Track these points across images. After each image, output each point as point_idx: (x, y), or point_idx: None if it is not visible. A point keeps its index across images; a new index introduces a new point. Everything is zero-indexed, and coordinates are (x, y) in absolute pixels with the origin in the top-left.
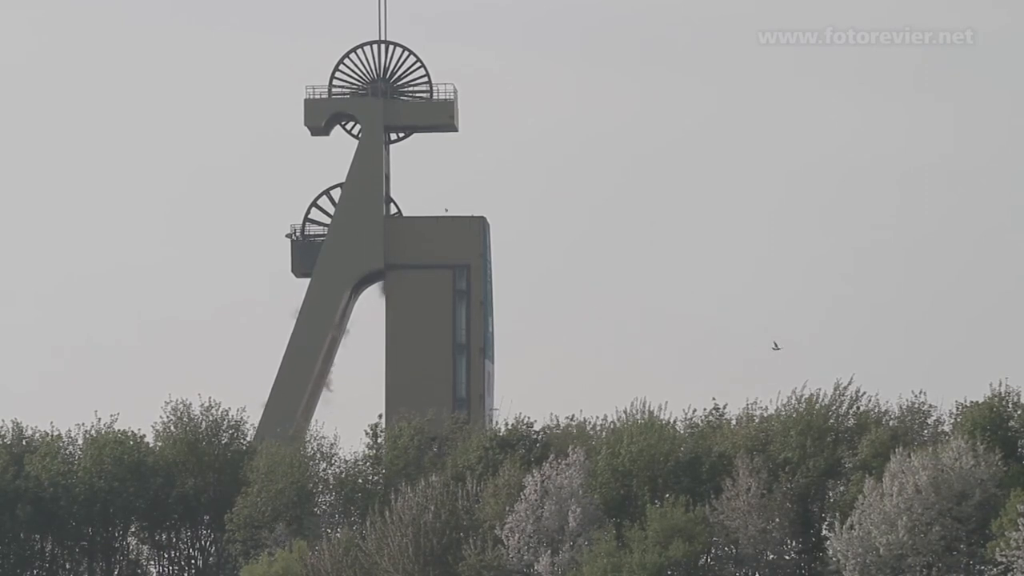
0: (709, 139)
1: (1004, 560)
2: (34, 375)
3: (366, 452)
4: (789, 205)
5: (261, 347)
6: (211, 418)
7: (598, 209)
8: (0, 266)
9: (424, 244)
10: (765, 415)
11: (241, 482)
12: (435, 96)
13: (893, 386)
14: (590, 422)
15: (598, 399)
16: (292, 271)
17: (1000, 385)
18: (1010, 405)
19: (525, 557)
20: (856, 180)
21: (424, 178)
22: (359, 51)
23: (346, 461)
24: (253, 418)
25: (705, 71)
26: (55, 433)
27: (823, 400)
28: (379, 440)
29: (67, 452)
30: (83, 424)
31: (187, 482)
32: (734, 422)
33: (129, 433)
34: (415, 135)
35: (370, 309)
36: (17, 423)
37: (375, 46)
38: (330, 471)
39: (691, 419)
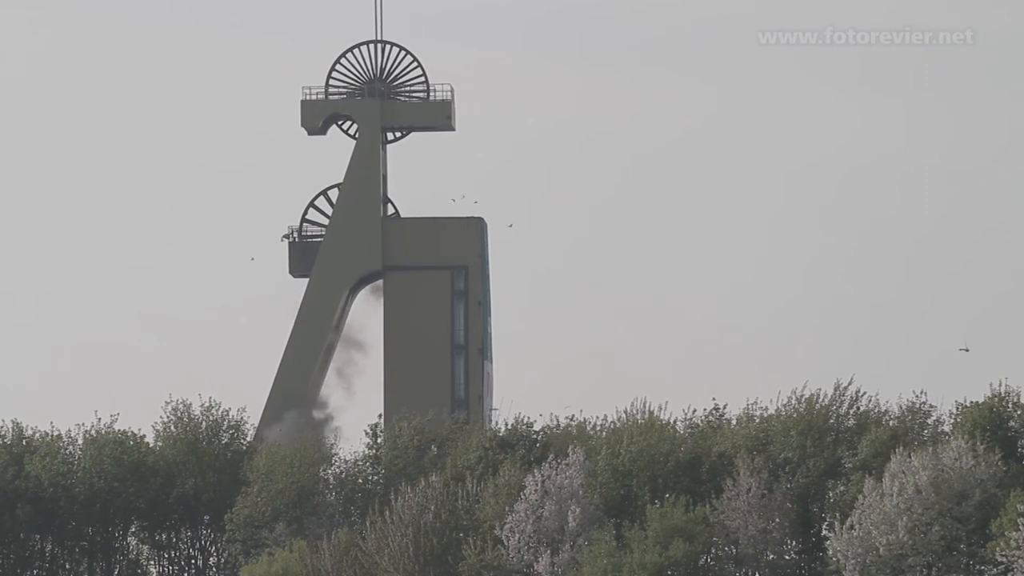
0: (709, 139)
1: (1004, 560)
2: (34, 375)
3: (366, 452)
4: (789, 205)
5: (261, 347)
6: (211, 418)
7: (598, 209)
8: (0, 266)
9: (422, 245)
10: (765, 415)
11: (241, 482)
12: (432, 96)
13: (893, 386)
14: (590, 422)
15: (598, 399)
16: (289, 272)
17: (1000, 385)
18: (1010, 405)
19: (525, 557)
20: (856, 180)
21: (422, 178)
22: (355, 51)
23: (346, 461)
24: (253, 418)
25: (705, 71)
26: (55, 433)
27: (823, 400)
28: (379, 440)
29: (67, 452)
30: (83, 424)
31: (187, 482)
32: (734, 422)
33: (129, 433)
34: (413, 133)
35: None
36: (17, 423)
37: (371, 46)
38: (330, 471)
39: (691, 419)
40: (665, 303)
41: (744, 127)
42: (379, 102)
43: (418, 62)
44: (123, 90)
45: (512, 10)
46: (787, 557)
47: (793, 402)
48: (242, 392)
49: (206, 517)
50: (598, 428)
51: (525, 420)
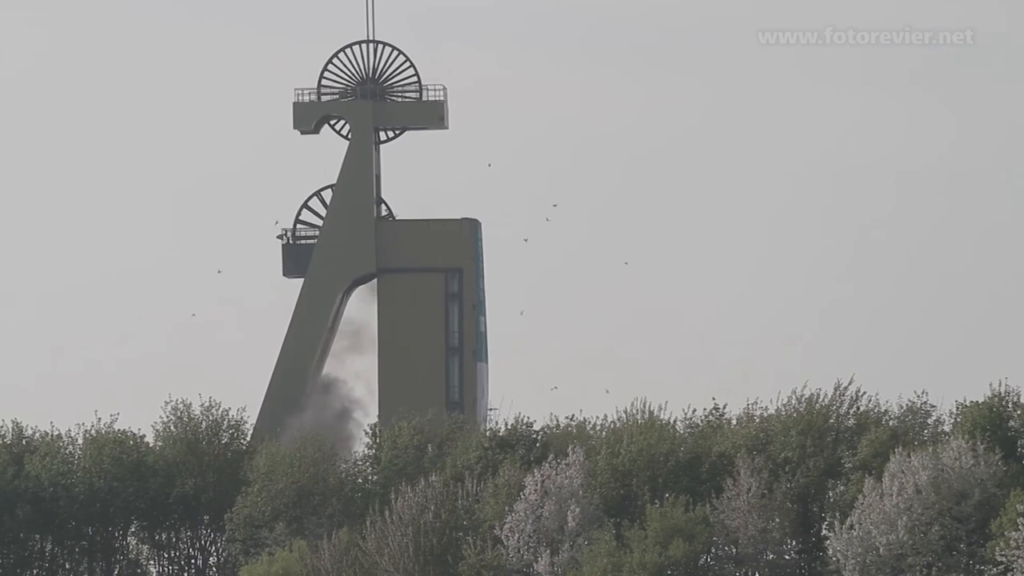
0: (708, 139)
1: (1004, 560)
2: (34, 375)
3: (366, 452)
4: (789, 205)
5: (261, 347)
6: (211, 418)
7: (598, 208)
8: (0, 266)
9: (416, 247)
10: (765, 415)
11: (241, 482)
12: (425, 96)
13: (893, 386)
14: (590, 422)
15: (598, 399)
16: (283, 273)
17: (1000, 385)
18: (1010, 405)
19: (525, 557)
20: (856, 180)
21: (418, 179)
22: (348, 51)
23: (346, 461)
24: (253, 418)
25: (705, 71)
26: (55, 433)
27: (823, 400)
28: (379, 440)
29: (67, 452)
30: (83, 424)
31: (187, 482)
32: (734, 422)
33: (129, 433)
34: (408, 133)
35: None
36: (17, 423)
37: (363, 46)
38: (330, 471)
39: (691, 419)
40: (665, 303)
41: (744, 127)
42: (371, 103)
43: (411, 62)
44: (119, 91)
45: (512, 10)
46: (787, 557)
47: (793, 402)
48: (242, 392)
49: (206, 517)
50: (598, 428)
51: (525, 420)
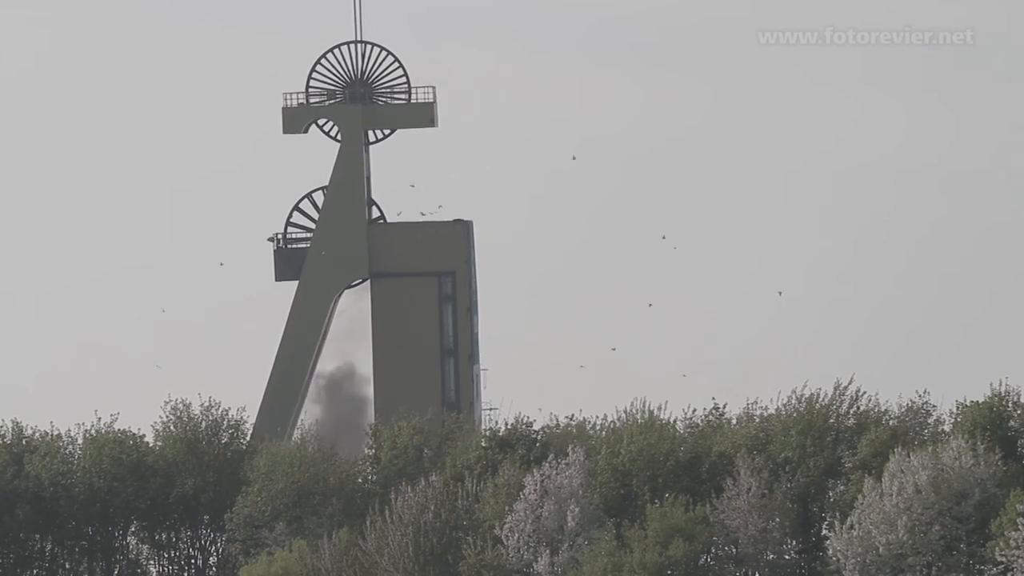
0: (708, 139)
1: (1004, 560)
2: (34, 375)
3: (366, 452)
4: (789, 205)
5: (260, 348)
6: (211, 418)
7: (598, 208)
8: (0, 266)
9: (408, 251)
10: (765, 415)
11: (241, 482)
12: (414, 98)
13: (893, 386)
14: (590, 422)
15: (598, 399)
16: (275, 278)
17: (1000, 385)
18: (1010, 405)
19: (525, 557)
20: (856, 180)
21: (417, 178)
22: (336, 51)
23: (346, 461)
24: (252, 418)
25: (704, 71)
26: (55, 433)
27: (823, 400)
28: (379, 440)
29: (67, 452)
30: (83, 424)
31: (187, 482)
32: (734, 422)
33: (129, 433)
34: (401, 132)
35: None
36: (17, 423)
37: (351, 47)
38: (330, 471)
39: (691, 419)
40: (666, 302)
41: (744, 127)
42: (360, 108)
43: (399, 63)
44: (119, 91)
45: (512, 10)
46: (787, 557)
47: (793, 402)
48: (242, 393)
49: (206, 517)
50: (598, 428)
51: (525, 420)
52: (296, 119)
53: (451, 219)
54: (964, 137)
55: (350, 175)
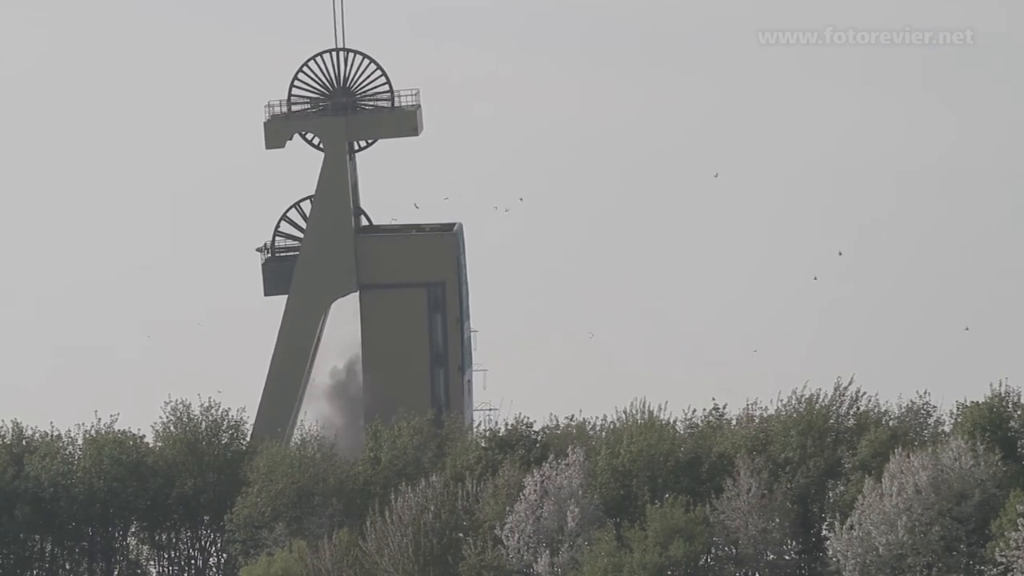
0: (708, 139)
1: (1004, 560)
2: (34, 375)
3: (366, 453)
4: (789, 205)
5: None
6: (211, 418)
7: (597, 208)
8: (0, 266)
9: (397, 262)
10: (765, 415)
11: (241, 483)
12: (397, 103)
13: (893, 386)
14: (590, 422)
15: (598, 399)
16: (264, 293)
17: (1000, 385)
18: (1010, 405)
19: (525, 557)
20: (856, 180)
21: (417, 179)
22: (317, 59)
23: (346, 461)
24: (252, 418)
25: (704, 71)
26: (55, 433)
27: (823, 400)
28: (379, 442)
29: (67, 452)
30: (83, 424)
31: (187, 482)
32: (734, 422)
33: (129, 434)
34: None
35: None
36: (17, 423)
37: (333, 54)
38: (330, 471)
39: (691, 419)
40: (665, 302)
41: (744, 127)
42: (343, 120)
43: (382, 69)
44: (119, 91)
45: (512, 10)
46: (787, 557)
47: (793, 402)
48: (242, 393)
49: (206, 517)
50: (598, 428)
51: (525, 420)
52: (278, 133)
53: (444, 222)
54: (964, 137)
55: (335, 188)
